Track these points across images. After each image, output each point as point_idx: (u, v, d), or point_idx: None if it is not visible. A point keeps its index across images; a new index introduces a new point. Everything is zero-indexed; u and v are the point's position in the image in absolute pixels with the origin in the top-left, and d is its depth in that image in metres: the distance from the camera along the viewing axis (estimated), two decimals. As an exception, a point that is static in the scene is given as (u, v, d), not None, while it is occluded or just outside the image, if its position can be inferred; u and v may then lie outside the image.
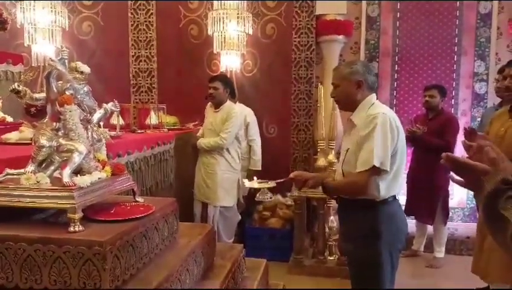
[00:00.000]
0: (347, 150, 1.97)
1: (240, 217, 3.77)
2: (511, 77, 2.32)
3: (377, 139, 1.82)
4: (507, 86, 2.36)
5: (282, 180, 2.02)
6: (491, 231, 0.95)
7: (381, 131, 1.83)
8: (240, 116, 3.58)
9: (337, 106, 3.87)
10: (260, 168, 4.00)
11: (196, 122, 4.21)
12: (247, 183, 2.13)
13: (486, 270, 2.37)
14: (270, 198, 2.05)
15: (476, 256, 2.52)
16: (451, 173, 1.05)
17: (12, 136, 2.21)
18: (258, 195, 2.05)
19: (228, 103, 3.58)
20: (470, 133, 2.59)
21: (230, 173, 3.53)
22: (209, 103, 3.64)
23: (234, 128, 3.47)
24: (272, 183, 2.01)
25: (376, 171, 1.83)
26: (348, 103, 2.02)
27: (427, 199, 3.69)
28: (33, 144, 1.39)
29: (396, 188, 1.96)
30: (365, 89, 1.97)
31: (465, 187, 1.06)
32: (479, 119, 4.21)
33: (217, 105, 3.54)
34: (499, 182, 0.90)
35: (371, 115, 1.87)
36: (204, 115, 3.72)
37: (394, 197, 1.96)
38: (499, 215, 0.89)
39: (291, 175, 2.07)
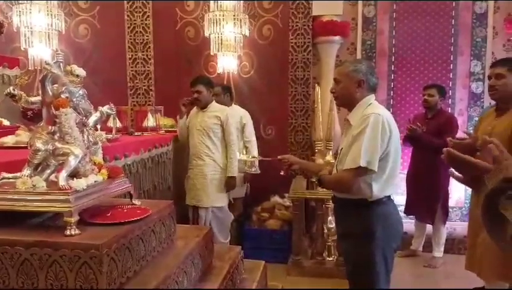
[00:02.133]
0: (341, 149, 2.00)
1: (232, 217, 3.76)
2: (495, 77, 2.36)
3: (366, 138, 1.83)
4: (491, 85, 2.39)
5: (269, 159, 2.25)
6: (489, 230, 0.94)
7: (372, 131, 1.84)
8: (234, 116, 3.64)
9: (334, 106, 3.93)
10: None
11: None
12: (238, 156, 2.51)
13: (481, 268, 2.40)
14: (255, 171, 2.58)
15: (469, 253, 2.55)
16: (451, 169, 1.04)
17: (9, 139, 2.21)
18: (245, 167, 2.45)
19: (213, 102, 3.58)
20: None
21: (219, 173, 3.50)
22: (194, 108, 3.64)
23: (235, 130, 3.55)
24: (258, 158, 2.39)
25: (363, 171, 1.84)
26: (346, 100, 2.03)
27: (427, 198, 3.69)
28: (29, 147, 1.38)
29: (390, 188, 1.97)
30: (365, 89, 1.98)
31: (464, 184, 1.05)
32: (476, 118, 4.23)
33: (204, 106, 3.53)
34: (500, 181, 0.89)
35: (365, 115, 1.88)
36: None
37: (389, 197, 1.96)
38: (498, 214, 0.88)
39: (279, 157, 2.17)
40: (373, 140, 1.83)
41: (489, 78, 2.42)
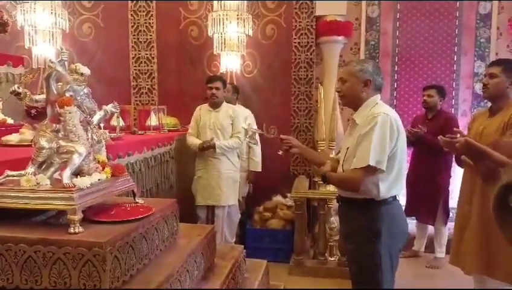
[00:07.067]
0: (347, 149, 1.98)
1: (239, 215, 3.78)
2: (489, 76, 2.39)
3: (375, 138, 1.83)
4: (483, 83, 2.43)
5: (272, 135, 2.31)
6: (499, 222, 0.94)
7: (380, 130, 1.84)
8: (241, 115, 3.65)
9: (337, 106, 3.92)
10: (260, 170, 4.00)
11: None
12: (244, 125, 2.52)
13: (464, 262, 2.49)
14: (255, 144, 2.75)
15: (454, 248, 2.59)
16: (464, 156, 1.03)
17: (13, 138, 2.21)
18: (246, 137, 2.39)
19: (225, 102, 3.60)
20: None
21: (233, 172, 3.56)
22: (203, 104, 3.64)
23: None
24: (260, 131, 2.43)
25: (371, 170, 1.84)
26: (352, 99, 2.02)
27: (428, 199, 3.68)
28: (33, 145, 1.39)
29: (397, 188, 1.96)
30: (371, 89, 1.98)
31: (476, 174, 1.06)
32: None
33: (217, 105, 3.55)
34: None
35: (373, 114, 1.88)
36: (194, 117, 3.65)
37: (395, 197, 1.96)
38: (509, 208, 0.89)
39: (282, 136, 2.15)
40: (382, 139, 1.83)
41: (485, 76, 2.45)
